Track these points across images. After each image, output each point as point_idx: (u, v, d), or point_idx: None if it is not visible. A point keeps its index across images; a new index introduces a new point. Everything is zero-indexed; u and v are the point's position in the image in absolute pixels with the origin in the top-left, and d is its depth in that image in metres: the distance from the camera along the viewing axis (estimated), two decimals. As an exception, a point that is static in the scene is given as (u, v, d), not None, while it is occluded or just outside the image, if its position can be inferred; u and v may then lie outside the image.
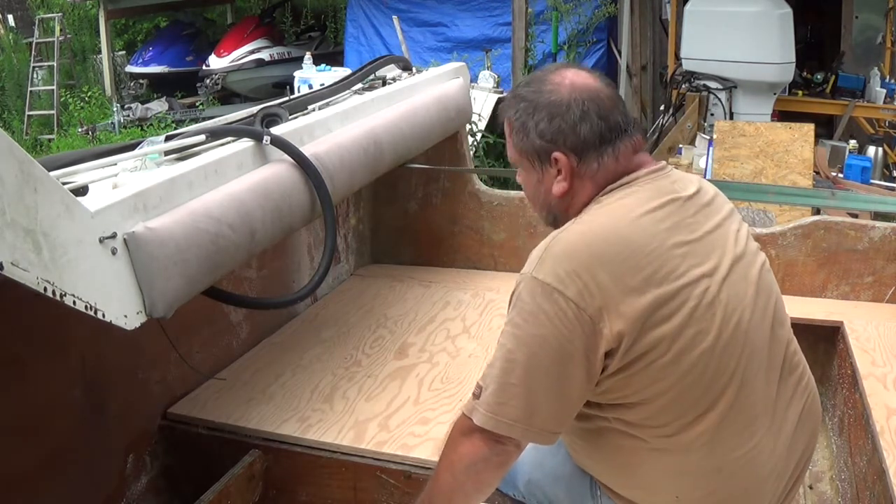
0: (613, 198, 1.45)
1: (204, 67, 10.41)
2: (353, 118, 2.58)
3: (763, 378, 1.48)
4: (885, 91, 6.67)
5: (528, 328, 1.38)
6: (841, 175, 5.79)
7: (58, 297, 1.41)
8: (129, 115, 9.61)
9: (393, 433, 2.18)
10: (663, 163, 1.53)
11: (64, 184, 1.57)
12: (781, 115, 6.50)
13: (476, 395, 1.45)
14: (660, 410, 1.41)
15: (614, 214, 1.42)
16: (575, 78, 1.48)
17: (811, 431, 1.61)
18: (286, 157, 2.18)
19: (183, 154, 2.08)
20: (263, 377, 2.48)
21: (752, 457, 1.47)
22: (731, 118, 6.27)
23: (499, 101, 6.98)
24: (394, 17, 7.73)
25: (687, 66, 6.59)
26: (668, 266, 1.38)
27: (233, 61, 10.24)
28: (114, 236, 1.60)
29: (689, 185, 1.51)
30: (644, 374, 1.38)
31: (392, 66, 3.24)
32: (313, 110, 2.59)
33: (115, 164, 1.98)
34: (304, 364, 2.58)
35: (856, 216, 3.93)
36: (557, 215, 1.54)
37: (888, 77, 6.86)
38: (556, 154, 1.46)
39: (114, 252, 1.60)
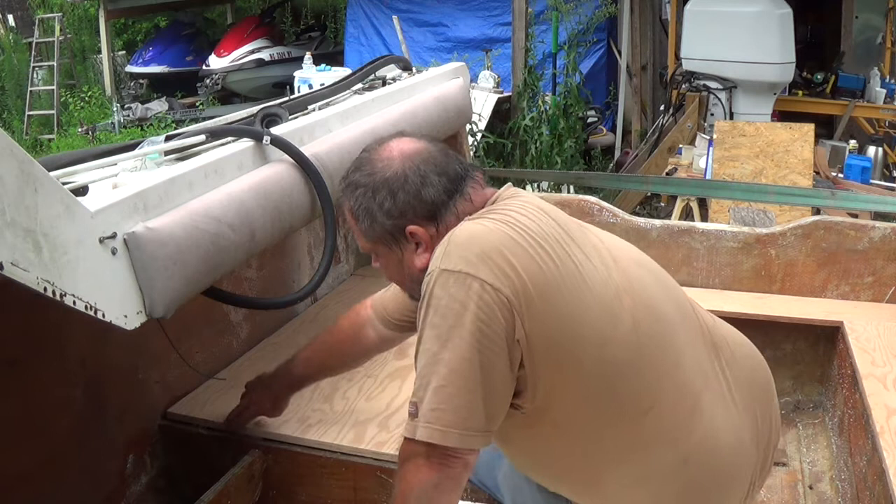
0: (482, 212, 1.44)
1: (204, 67, 10.42)
2: (353, 118, 2.58)
3: (692, 354, 1.45)
4: (885, 91, 6.67)
5: (448, 322, 1.31)
6: (841, 175, 5.79)
7: (58, 297, 1.41)
8: (129, 115, 9.62)
9: (393, 433, 2.17)
10: (508, 184, 1.54)
11: (64, 184, 1.57)
12: (781, 115, 6.50)
13: (413, 414, 1.36)
14: (596, 413, 1.39)
15: (500, 212, 1.41)
16: (402, 146, 1.46)
17: (764, 390, 1.59)
18: (286, 157, 2.18)
19: (183, 154, 2.08)
20: None
21: (714, 436, 1.43)
22: (731, 118, 6.28)
23: (499, 101, 6.98)
24: (394, 17, 7.73)
25: (687, 66, 6.59)
26: (567, 253, 1.37)
27: (233, 61, 10.25)
28: (114, 236, 1.60)
29: (544, 203, 1.51)
30: (564, 365, 1.35)
31: (392, 66, 3.24)
32: (313, 110, 2.58)
33: (115, 164, 1.98)
34: None
35: (856, 216, 3.94)
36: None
37: (888, 77, 6.87)
38: (410, 228, 1.44)
39: (114, 252, 1.60)
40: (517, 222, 1.38)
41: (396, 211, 1.43)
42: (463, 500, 1.97)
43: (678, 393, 1.42)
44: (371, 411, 2.28)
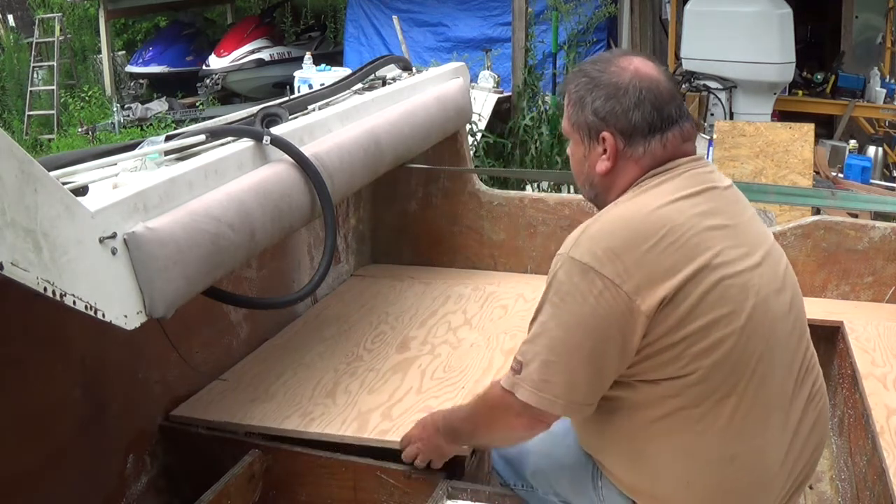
0: (652, 183, 1.49)
1: (204, 67, 10.41)
2: (353, 118, 2.58)
3: (783, 373, 1.50)
4: (885, 91, 6.69)
5: (567, 306, 1.42)
6: (841, 175, 5.80)
7: (58, 297, 1.41)
8: (129, 115, 9.61)
9: (395, 422, 2.17)
10: (701, 154, 1.57)
11: (64, 184, 1.57)
12: (781, 115, 6.51)
13: (516, 371, 1.48)
14: (684, 387, 1.43)
15: (651, 197, 1.47)
16: (640, 66, 1.52)
17: (820, 437, 1.62)
18: (286, 157, 2.18)
19: (183, 154, 2.08)
20: (266, 377, 2.48)
21: (765, 450, 1.48)
22: (731, 118, 6.28)
23: (499, 101, 6.98)
24: (394, 16, 7.73)
25: (687, 66, 6.59)
26: (703, 245, 1.42)
27: (233, 61, 10.25)
28: (114, 236, 1.60)
29: (724, 179, 1.57)
30: (674, 350, 1.41)
31: (392, 66, 3.24)
32: (313, 110, 2.58)
33: (115, 164, 1.98)
34: (306, 363, 2.57)
35: (856, 216, 3.93)
36: (598, 192, 1.58)
37: (888, 77, 6.88)
38: (605, 133, 1.51)
39: (114, 252, 1.60)
40: (659, 215, 1.43)
41: (602, 113, 1.50)
42: (463, 500, 1.97)
43: (758, 396, 1.46)
44: (373, 402, 2.29)
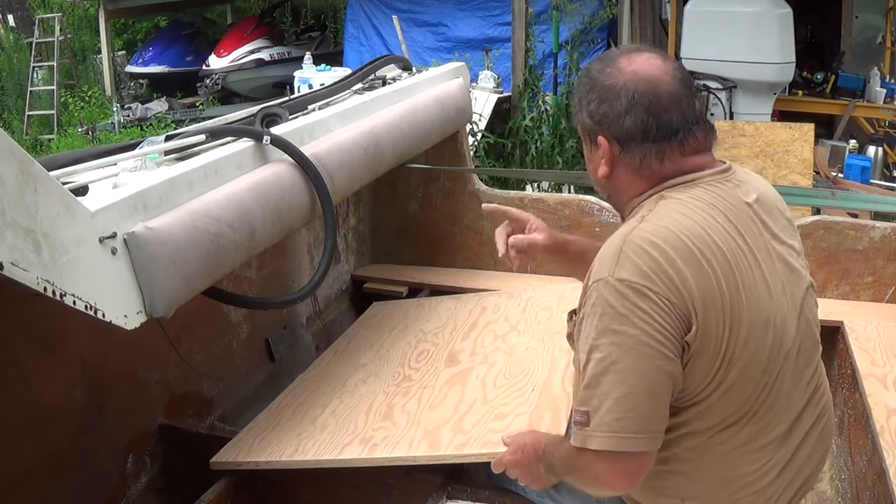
0: (678, 194, 1.43)
1: (204, 67, 10.41)
2: (353, 118, 2.58)
3: (790, 398, 1.48)
4: (885, 91, 6.68)
5: (628, 330, 1.32)
6: (841, 175, 5.80)
7: (58, 297, 1.41)
8: (129, 115, 9.60)
9: (470, 434, 2.00)
10: (727, 164, 1.50)
11: (64, 184, 1.57)
12: (781, 115, 6.51)
13: (583, 423, 1.36)
14: (693, 418, 1.41)
15: (683, 213, 1.40)
16: (642, 65, 1.43)
17: (824, 450, 1.61)
18: (286, 157, 2.18)
19: (183, 154, 2.08)
20: (309, 410, 2.33)
21: (763, 474, 1.47)
22: (731, 118, 6.28)
23: (499, 101, 6.98)
24: (394, 16, 7.72)
25: (687, 66, 6.58)
26: (734, 272, 1.37)
27: (233, 61, 10.25)
28: (114, 236, 1.60)
29: (750, 192, 1.49)
30: (698, 374, 1.37)
31: (392, 66, 3.24)
32: (313, 110, 2.59)
33: (115, 164, 1.98)
34: (350, 390, 2.41)
35: (856, 216, 3.93)
36: (610, 194, 1.54)
37: (888, 77, 6.87)
38: (600, 137, 1.46)
39: (114, 252, 1.60)
40: (696, 234, 1.37)
41: (596, 116, 1.45)
42: (463, 500, 1.97)
43: (763, 424, 1.45)
44: (439, 419, 2.13)
